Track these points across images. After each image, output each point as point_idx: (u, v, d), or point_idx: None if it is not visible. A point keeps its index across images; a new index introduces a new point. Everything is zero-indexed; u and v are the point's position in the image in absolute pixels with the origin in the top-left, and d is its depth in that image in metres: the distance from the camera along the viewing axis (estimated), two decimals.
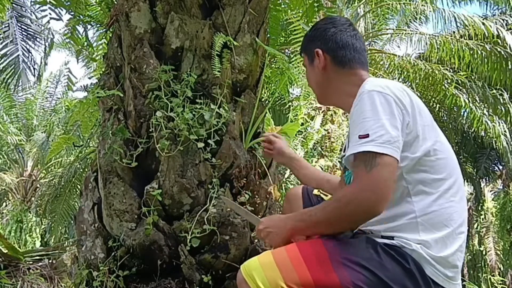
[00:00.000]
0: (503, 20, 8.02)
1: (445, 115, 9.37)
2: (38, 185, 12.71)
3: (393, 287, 1.29)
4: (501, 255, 14.30)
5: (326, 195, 1.85)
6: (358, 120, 1.33)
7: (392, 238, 1.35)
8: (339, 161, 6.73)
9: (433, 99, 8.35)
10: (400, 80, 8.73)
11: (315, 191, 1.88)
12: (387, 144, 1.27)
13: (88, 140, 3.65)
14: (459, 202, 1.40)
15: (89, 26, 3.38)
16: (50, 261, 5.18)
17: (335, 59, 1.57)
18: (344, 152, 1.62)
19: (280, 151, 1.99)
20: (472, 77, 8.00)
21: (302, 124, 6.88)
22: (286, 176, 7.85)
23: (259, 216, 2.47)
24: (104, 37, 3.35)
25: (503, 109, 7.88)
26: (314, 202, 1.85)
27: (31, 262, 5.06)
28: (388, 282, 1.29)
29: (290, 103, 7.28)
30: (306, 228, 1.42)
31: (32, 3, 7.23)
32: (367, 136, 1.29)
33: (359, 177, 1.30)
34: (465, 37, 7.74)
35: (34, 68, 7.73)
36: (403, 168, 1.35)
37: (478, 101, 8.10)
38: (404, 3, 8.30)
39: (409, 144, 1.34)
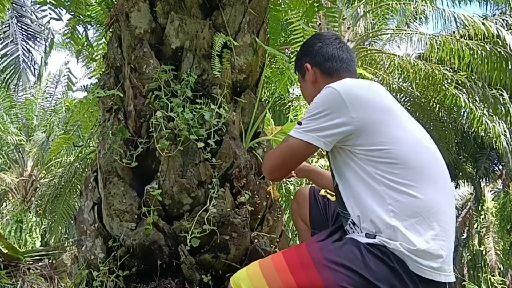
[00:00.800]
0: (503, 20, 8.02)
1: (445, 115, 9.36)
2: (38, 185, 12.71)
3: (379, 286, 1.30)
4: (501, 255, 14.31)
5: (332, 195, 1.88)
6: (307, 109, 1.53)
7: (374, 236, 1.36)
8: None
9: (433, 99, 8.35)
10: (400, 80, 8.74)
11: (322, 192, 1.92)
12: (310, 132, 1.47)
13: (88, 140, 3.66)
14: (435, 192, 1.41)
15: (89, 26, 3.38)
16: (50, 261, 5.19)
17: (323, 71, 1.69)
18: None
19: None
20: (472, 77, 7.99)
21: None
22: None
23: (259, 216, 2.48)
24: (104, 37, 3.35)
25: (503, 109, 7.88)
26: (320, 202, 1.88)
27: (31, 262, 5.06)
28: (374, 281, 1.30)
29: (290, 103, 7.28)
30: None
31: (32, 3, 7.24)
32: (300, 124, 1.51)
33: (277, 147, 1.60)
34: (465, 37, 7.74)
35: (34, 68, 7.74)
36: (368, 161, 1.41)
37: (478, 101, 8.10)
38: (404, 3, 8.30)
39: (361, 135, 1.43)
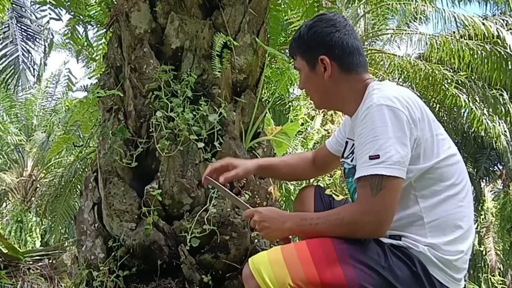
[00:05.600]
0: (503, 20, 8.02)
1: (445, 115, 9.37)
2: (38, 185, 12.70)
3: None
4: (501, 255, 14.29)
5: (338, 195, 1.85)
6: (368, 137, 1.31)
7: (399, 238, 1.35)
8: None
9: (433, 99, 8.34)
10: (400, 80, 8.73)
11: (327, 191, 1.87)
12: (397, 165, 1.27)
13: (88, 140, 3.65)
14: (467, 207, 1.40)
15: (89, 26, 3.38)
16: (50, 261, 5.17)
17: (342, 67, 1.50)
18: (344, 154, 1.62)
19: (245, 168, 1.73)
20: (472, 77, 8.00)
21: (302, 124, 6.86)
22: None
23: None
24: (104, 37, 3.35)
25: (503, 109, 7.88)
26: (326, 202, 1.83)
27: (31, 262, 5.05)
28: (396, 284, 1.28)
29: (290, 103, 7.28)
30: (305, 234, 1.42)
31: (32, 3, 7.24)
32: (377, 157, 1.28)
33: (364, 199, 1.30)
34: (465, 37, 7.73)
35: (33, 69, 7.73)
36: (411, 178, 1.34)
37: (478, 101, 8.10)
38: (404, 3, 8.29)
39: (417, 157, 1.34)
